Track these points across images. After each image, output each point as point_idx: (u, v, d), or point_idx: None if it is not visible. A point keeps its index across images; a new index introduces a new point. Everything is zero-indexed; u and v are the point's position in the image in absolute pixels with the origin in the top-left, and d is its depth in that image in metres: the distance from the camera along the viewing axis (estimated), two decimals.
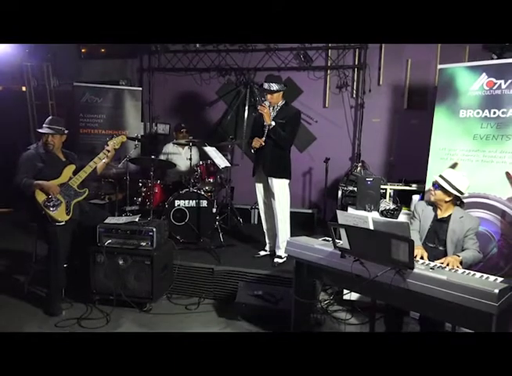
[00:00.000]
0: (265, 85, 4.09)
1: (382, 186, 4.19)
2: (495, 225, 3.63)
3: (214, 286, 4.10)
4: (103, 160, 3.88)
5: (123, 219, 3.99)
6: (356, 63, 5.75)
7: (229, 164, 4.86)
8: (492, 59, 4.19)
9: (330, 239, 2.80)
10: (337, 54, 5.80)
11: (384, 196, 4.24)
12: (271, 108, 4.13)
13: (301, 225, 5.21)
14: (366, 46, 5.65)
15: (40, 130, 3.71)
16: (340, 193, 4.82)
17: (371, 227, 2.50)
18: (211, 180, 5.04)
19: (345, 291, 3.83)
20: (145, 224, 3.88)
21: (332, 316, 3.79)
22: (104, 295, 3.81)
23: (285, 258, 4.16)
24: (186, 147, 5.15)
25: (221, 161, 4.68)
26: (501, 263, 3.60)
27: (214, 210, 4.62)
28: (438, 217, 3.07)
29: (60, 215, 3.58)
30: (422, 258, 2.81)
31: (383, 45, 5.58)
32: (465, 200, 3.20)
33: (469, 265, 2.78)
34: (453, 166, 3.80)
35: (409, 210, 3.96)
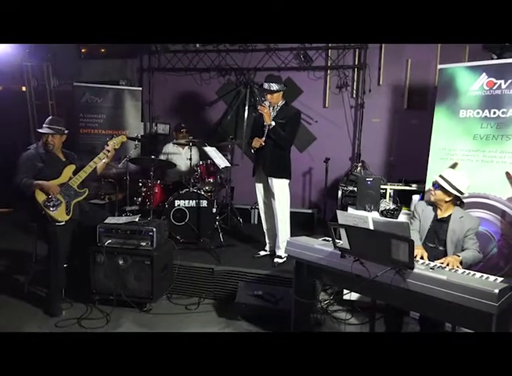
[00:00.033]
0: (265, 85, 4.09)
1: (382, 186, 4.19)
2: (495, 225, 3.62)
3: (214, 286, 4.10)
4: (103, 160, 3.88)
5: (123, 219, 3.99)
6: (356, 63, 5.75)
7: (229, 164, 4.86)
8: (492, 59, 4.19)
9: (330, 239, 2.80)
10: (337, 54, 5.80)
11: (384, 196, 4.24)
12: (271, 108, 4.13)
13: (301, 225, 5.21)
14: (366, 46, 5.64)
15: (40, 130, 3.71)
16: (340, 193, 4.82)
17: (371, 227, 2.50)
18: (211, 180, 5.04)
19: (345, 291, 3.83)
20: (145, 224, 3.88)
21: (332, 316, 3.79)
22: (104, 295, 3.81)
23: (285, 258, 4.16)
24: (186, 147, 5.15)
25: (221, 161, 4.68)
26: (501, 263, 3.60)
27: (214, 210, 4.62)
28: (438, 217, 3.07)
29: (60, 215, 3.58)
30: (422, 258, 2.81)
31: (383, 45, 5.58)
32: (465, 200, 3.20)
33: (469, 265, 2.78)
34: (453, 166, 3.80)
35: (409, 210, 3.96)
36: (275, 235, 4.34)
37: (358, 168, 5.10)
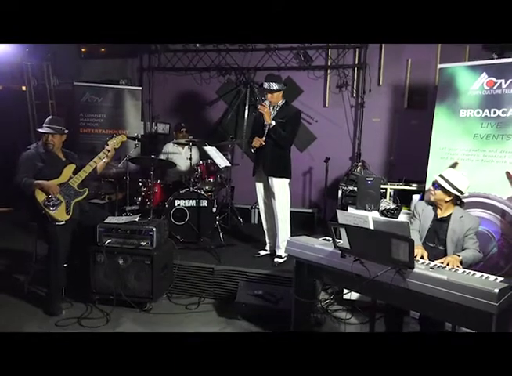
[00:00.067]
0: (265, 85, 4.09)
1: (382, 186, 4.19)
2: (496, 224, 3.63)
3: (215, 285, 4.10)
4: (103, 160, 3.88)
5: (123, 219, 3.99)
6: (356, 62, 5.74)
7: (229, 164, 4.86)
8: (493, 58, 4.18)
9: (330, 238, 2.80)
10: (337, 53, 5.80)
11: (384, 195, 4.24)
12: (271, 107, 4.13)
13: (301, 224, 5.21)
14: (366, 46, 5.64)
15: (40, 130, 3.71)
16: (340, 192, 4.82)
17: (371, 227, 2.50)
18: (211, 180, 5.04)
19: (345, 291, 3.84)
20: (145, 224, 3.88)
21: (332, 315, 3.80)
22: (104, 295, 3.81)
23: (285, 258, 4.16)
24: (186, 147, 5.15)
25: (221, 161, 4.68)
26: (501, 263, 3.61)
27: (215, 209, 4.62)
28: (438, 217, 3.07)
29: (60, 214, 3.58)
30: (422, 257, 2.81)
31: (383, 45, 5.57)
32: (465, 200, 3.20)
33: (469, 265, 2.78)
34: (453, 166, 3.80)
35: (409, 209, 3.96)
36: (275, 235, 4.34)
37: (359, 168, 5.10)
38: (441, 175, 3.01)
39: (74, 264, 3.99)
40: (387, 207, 3.99)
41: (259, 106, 4.09)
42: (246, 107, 6.15)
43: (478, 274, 2.38)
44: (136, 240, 3.81)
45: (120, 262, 3.78)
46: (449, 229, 2.98)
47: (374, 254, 2.48)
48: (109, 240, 3.80)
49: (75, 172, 3.75)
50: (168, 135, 6.45)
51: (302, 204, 6.08)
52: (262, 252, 4.48)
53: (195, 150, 5.31)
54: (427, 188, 3.86)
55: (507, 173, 3.55)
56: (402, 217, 3.90)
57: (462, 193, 2.96)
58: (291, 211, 4.32)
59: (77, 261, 4.03)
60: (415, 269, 2.35)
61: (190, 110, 6.36)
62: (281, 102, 4.17)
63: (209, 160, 4.95)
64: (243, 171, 5.48)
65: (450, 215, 3.02)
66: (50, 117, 3.81)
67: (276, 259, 4.22)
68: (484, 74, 3.68)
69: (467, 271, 2.46)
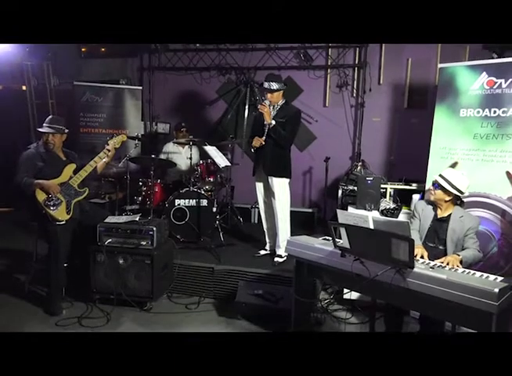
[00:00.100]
0: (265, 84, 4.09)
1: (382, 186, 4.19)
2: (496, 224, 3.63)
3: (215, 285, 4.10)
4: (104, 160, 3.88)
5: (123, 218, 3.99)
6: (356, 62, 5.74)
7: (229, 164, 4.86)
8: (493, 58, 4.19)
9: (330, 238, 2.80)
10: (338, 53, 5.80)
11: (384, 195, 4.24)
12: (271, 107, 4.13)
13: (301, 224, 5.22)
14: (366, 45, 5.63)
15: (40, 129, 3.71)
16: (340, 192, 4.82)
17: (371, 226, 2.50)
18: (211, 179, 5.04)
19: (345, 290, 3.84)
20: (145, 223, 3.88)
21: (332, 315, 3.80)
22: (104, 294, 3.81)
23: (285, 258, 4.17)
24: (186, 146, 5.15)
25: (221, 160, 4.68)
26: (501, 262, 3.61)
27: (215, 209, 4.63)
28: (438, 216, 3.07)
29: (61, 214, 3.59)
30: (422, 257, 2.81)
31: (383, 44, 5.57)
32: (465, 200, 3.19)
33: (469, 265, 2.78)
34: (453, 165, 3.80)
35: (409, 209, 3.96)
36: (275, 234, 4.34)
37: (359, 168, 5.10)
38: (441, 175, 3.01)
39: (75, 263, 3.99)
40: (387, 207, 3.99)
41: (259, 106, 4.09)
42: (247, 107, 6.15)
43: (478, 274, 2.38)
44: (136, 239, 3.81)
45: (121, 261, 3.79)
46: (449, 228, 2.98)
47: (374, 253, 2.49)
48: (110, 240, 3.80)
49: (75, 172, 3.75)
50: (168, 135, 6.44)
51: (302, 203, 6.09)
52: (262, 252, 4.48)
53: (195, 150, 5.31)
54: (427, 188, 3.86)
55: (507, 173, 3.55)
56: (402, 217, 3.90)
57: (462, 192, 2.96)
58: (291, 211, 4.32)
59: (77, 260, 4.03)
60: (415, 269, 2.35)
61: (190, 110, 6.36)
62: (281, 101, 4.17)
63: (209, 160, 4.95)
64: (243, 171, 5.49)
65: (450, 215, 3.02)
66: (50, 117, 3.81)
67: (276, 259, 4.22)
68: (485, 73, 3.68)
69: (467, 271, 2.46)
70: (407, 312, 3.51)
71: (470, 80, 3.75)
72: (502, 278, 2.29)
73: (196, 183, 4.83)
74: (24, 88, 6.61)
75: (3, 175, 4.72)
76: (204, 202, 4.72)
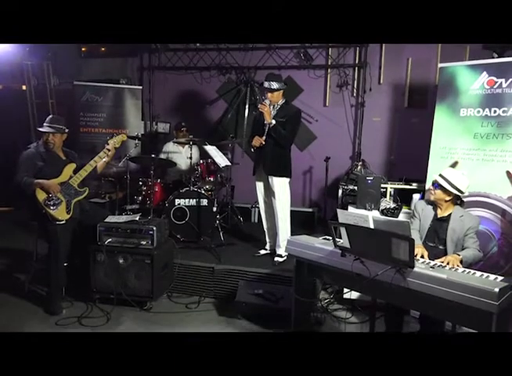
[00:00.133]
0: (266, 84, 4.08)
1: (382, 185, 4.19)
2: (496, 224, 3.63)
3: (215, 285, 4.10)
4: (104, 159, 3.88)
5: (123, 218, 3.99)
6: (357, 61, 5.75)
7: (230, 163, 4.86)
8: (493, 57, 4.18)
9: (331, 238, 2.80)
10: (338, 53, 5.79)
11: (384, 195, 4.24)
12: (271, 107, 4.13)
13: (301, 224, 5.22)
14: (367, 45, 5.63)
15: (40, 129, 3.71)
16: (340, 191, 4.82)
17: (371, 226, 2.51)
18: (212, 179, 5.04)
19: (345, 290, 3.83)
20: (145, 223, 3.88)
21: (332, 314, 3.80)
22: (104, 294, 3.81)
23: (285, 257, 4.17)
24: (187, 146, 5.15)
25: (221, 160, 4.68)
26: (501, 262, 3.61)
27: (215, 209, 4.63)
28: (438, 216, 3.07)
29: (61, 213, 3.59)
30: (422, 256, 2.81)
31: (383, 44, 5.57)
32: (465, 199, 3.19)
33: (469, 264, 2.78)
34: (453, 165, 3.80)
35: (410, 209, 3.95)
36: (275, 234, 4.34)
37: (359, 167, 5.10)
38: (441, 175, 3.01)
39: (75, 263, 4.00)
40: (388, 207, 3.99)
41: (259, 106, 4.09)
42: (247, 106, 6.15)
43: (478, 273, 2.38)
44: (136, 239, 3.81)
45: (121, 261, 3.79)
46: (449, 228, 2.98)
47: (374, 253, 2.49)
48: (110, 240, 3.80)
49: (75, 171, 3.75)
50: (168, 135, 6.44)
51: (302, 203, 6.09)
52: (262, 251, 4.48)
53: (195, 149, 5.31)
54: (427, 187, 3.86)
55: (507, 172, 3.55)
56: (402, 216, 3.90)
57: (462, 192, 2.96)
58: (291, 211, 4.32)
59: (77, 260, 4.03)
60: (415, 269, 2.35)
61: (190, 109, 6.36)
62: (281, 101, 4.17)
63: (209, 160, 4.95)
64: (243, 171, 5.48)
65: (450, 215, 3.02)
66: (50, 117, 3.81)
67: (276, 258, 4.22)
68: (485, 73, 3.68)
69: (467, 270, 2.46)
70: (407, 312, 3.51)
71: (471, 79, 3.75)
72: (502, 278, 2.29)
73: (197, 183, 4.83)
74: (24, 87, 6.61)
75: (3, 175, 4.72)
76: (204, 202, 4.72)
